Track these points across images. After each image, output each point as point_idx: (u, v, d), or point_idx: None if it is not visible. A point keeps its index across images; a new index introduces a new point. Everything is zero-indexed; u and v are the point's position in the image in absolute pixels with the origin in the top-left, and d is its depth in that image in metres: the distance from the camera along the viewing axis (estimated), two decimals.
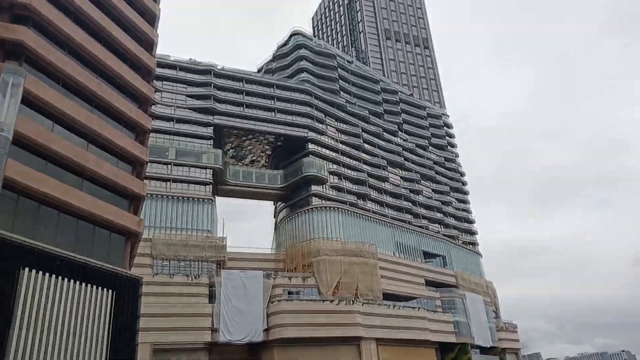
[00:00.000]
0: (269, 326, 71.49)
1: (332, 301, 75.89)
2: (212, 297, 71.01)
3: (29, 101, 28.50)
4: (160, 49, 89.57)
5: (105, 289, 31.57)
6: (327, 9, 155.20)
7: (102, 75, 34.61)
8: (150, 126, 38.66)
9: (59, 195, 29.34)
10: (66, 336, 28.65)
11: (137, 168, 37.14)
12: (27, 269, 26.94)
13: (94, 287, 30.85)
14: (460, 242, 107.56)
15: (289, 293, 76.33)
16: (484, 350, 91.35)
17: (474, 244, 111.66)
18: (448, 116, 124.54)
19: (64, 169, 30.55)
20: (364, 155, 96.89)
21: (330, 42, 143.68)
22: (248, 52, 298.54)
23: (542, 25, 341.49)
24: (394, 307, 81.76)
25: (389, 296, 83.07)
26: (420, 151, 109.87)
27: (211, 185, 79.75)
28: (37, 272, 27.42)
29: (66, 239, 30.53)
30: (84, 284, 30.13)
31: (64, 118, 30.66)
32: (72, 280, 29.48)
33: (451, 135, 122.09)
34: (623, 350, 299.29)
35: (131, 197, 36.06)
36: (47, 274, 27.98)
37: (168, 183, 76.66)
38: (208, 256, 74.17)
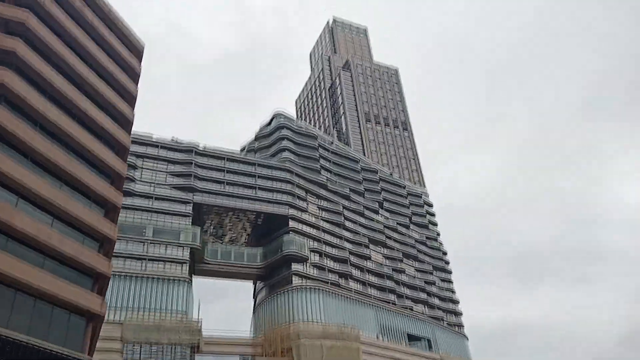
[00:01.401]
0: None
1: None
2: None
3: None
4: (141, 126, 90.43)
5: None
6: (310, 92, 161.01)
7: (74, 151, 34.49)
8: (121, 203, 38.05)
9: (17, 274, 28.04)
10: None
11: (104, 246, 36.07)
12: None
13: None
14: (445, 323, 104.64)
15: None
16: None
17: (460, 325, 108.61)
18: (428, 195, 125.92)
19: (25, 246, 29.47)
20: (345, 233, 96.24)
21: (313, 124, 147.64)
22: (231, 131, 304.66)
23: (515, 101, 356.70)
24: None
25: None
26: (402, 229, 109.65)
27: (188, 265, 77.73)
28: None
29: (21, 319, 28.75)
30: None
31: (28, 194, 30.06)
32: None
33: (432, 214, 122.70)
34: None
35: (96, 276, 34.66)
36: None
37: (144, 262, 74.59)
38: (182, 340, 70.58)
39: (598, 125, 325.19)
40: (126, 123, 41.15)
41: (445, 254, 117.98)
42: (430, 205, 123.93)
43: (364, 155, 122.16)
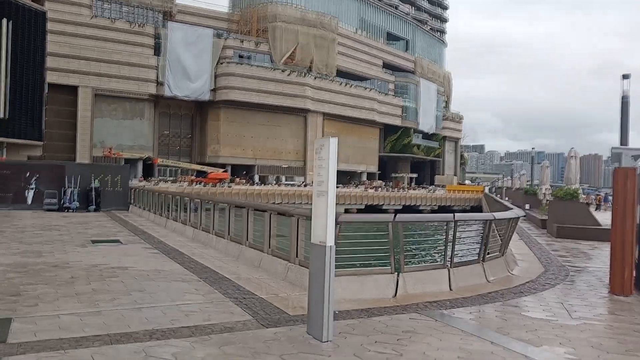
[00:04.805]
0: (216, 87, 70.99)
1: (283, 71, 74.62)
2: (157, 50, 68.24)
3: None
4: None
5: None
6: None
7: None
8: None
9: None
10: None
11: None
12: None
13: None
14: (428, 27, 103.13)
15: (240, 57, 74.02)
16: (426, 136, 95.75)
17: (442, 31, 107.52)
18: None
19: None
20: None
21: None
22: None
23: None
24: (346, 84, 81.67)
25: (343, 73, 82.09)
26: None
27: None
28: None
29: None
30: None
31: None
32: None
33: None
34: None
35: None
36: None
37: None
38: (154, 4, 68.79)
39: None
40: None
41: None
42: None
43: None
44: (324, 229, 5.23)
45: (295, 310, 6.31)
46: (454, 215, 7.79)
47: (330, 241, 5.19)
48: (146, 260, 9.74)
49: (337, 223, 6.92)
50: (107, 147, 63.48)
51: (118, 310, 6.11)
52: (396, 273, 7.40)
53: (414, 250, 7.98)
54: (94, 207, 21.64)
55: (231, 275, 8.36)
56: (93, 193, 21.61)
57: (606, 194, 43.91)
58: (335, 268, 7.29)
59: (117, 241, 12.41)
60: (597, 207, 33.64)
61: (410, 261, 7.77)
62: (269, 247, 9.03)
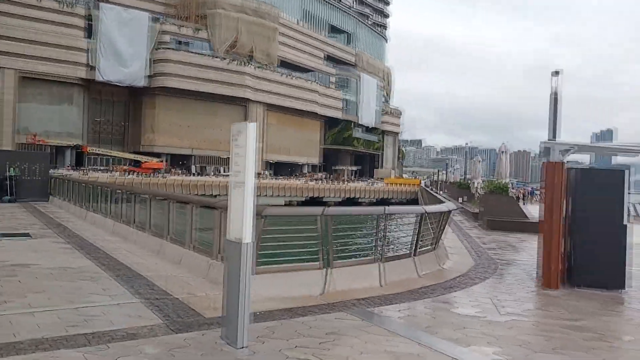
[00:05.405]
0: (152, 73, 68.11)
1: (224, 59, 72.74)
2: (89, 32, 64.61)
3: None
4: None
5: None
6: None
7: None
8: None
9: None
10: None
11: None
12: None
13: None
14: (370, 22, 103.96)
15: (178, 43, 71.47)
16: (367, 130, 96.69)
17: (384, 26, 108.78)
18: None
19: None
20: None
21: None
22: None
23: None
24: (288, 76, 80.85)
25: (285, 64, 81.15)
26: None
27: None
28: None
29: None
30: None
31: None
32: None
33: None
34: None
35: None
36: None
37: None
38: None
39: None
40: None
41: None
42: None
43: None
44: (241, 225, 4.71)
45: (213, 312, 5.76)
46: (384, 209, 7.50)
47: (247, 238, 4.67)
48: (54, 257, 8.84)
49: (262, 217, 6.46)
50: (31, 133, 59.55)
51: (6, 315, 5.35)
52: (325, 269, 7.02)
53: (345, 245, 7.63)
54: (9, 197, 19.95)
55: (147, 273, 7.68)
56: (8, 182, 19.92)
57: (532, 188, 46.01)
58: (261, 265, 6.85)
59: (27, 235, 11.31)
60: (527, 200, 35.04)
61: (340, 256, 7.41)
62: (192, 242, 8.40)
